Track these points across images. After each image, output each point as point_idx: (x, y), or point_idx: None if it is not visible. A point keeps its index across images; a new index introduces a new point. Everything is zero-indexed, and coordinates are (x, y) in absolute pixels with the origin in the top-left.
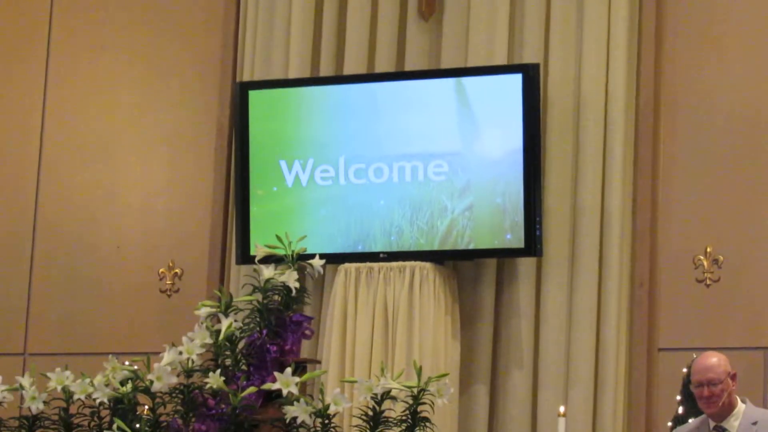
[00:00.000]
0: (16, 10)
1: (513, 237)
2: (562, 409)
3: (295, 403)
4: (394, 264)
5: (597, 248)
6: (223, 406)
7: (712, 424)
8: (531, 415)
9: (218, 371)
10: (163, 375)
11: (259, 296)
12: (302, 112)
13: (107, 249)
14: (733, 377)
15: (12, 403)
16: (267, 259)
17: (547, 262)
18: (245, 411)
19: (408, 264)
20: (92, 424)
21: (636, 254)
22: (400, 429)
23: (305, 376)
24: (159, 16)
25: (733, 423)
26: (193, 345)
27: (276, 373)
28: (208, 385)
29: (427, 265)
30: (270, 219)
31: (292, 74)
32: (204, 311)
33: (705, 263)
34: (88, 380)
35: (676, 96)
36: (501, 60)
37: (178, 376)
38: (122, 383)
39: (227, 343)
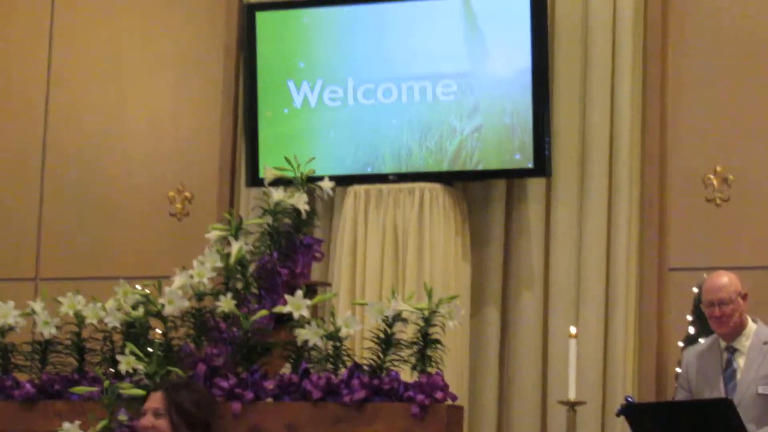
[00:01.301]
0: None
1: (522, 157)
2: (573, 330)
3: (306, 326)
4: (403, 185)
5: (606, 168)
6: (234, 329)
7: (723, 344)
8: (542, 336)
9: (229, 295)
10: (174, 299)
11: (269, 219)
12: (310, 33)
13: (117, 173)
14: (744, 297)
15: (24, 328)
16: (276, 182)
17: (557, 182)
18: (257, 334)
19: (417, 185)
20: (104, 348)
21: (645, 174)
22: (411, 351)
23: (316, 299)
24: None
25: (744, 342)
26: (204, 269)
27: (287, 296)
28: (219, 309)
29: (437, 186)
30: (279, 141)
31: None
32: (214, 235)
33: (715, 182)
34: (99, 305)
35: (684, 15)
36: None
37: (189, 299)
38: (134, 307)
39: (238, 267)
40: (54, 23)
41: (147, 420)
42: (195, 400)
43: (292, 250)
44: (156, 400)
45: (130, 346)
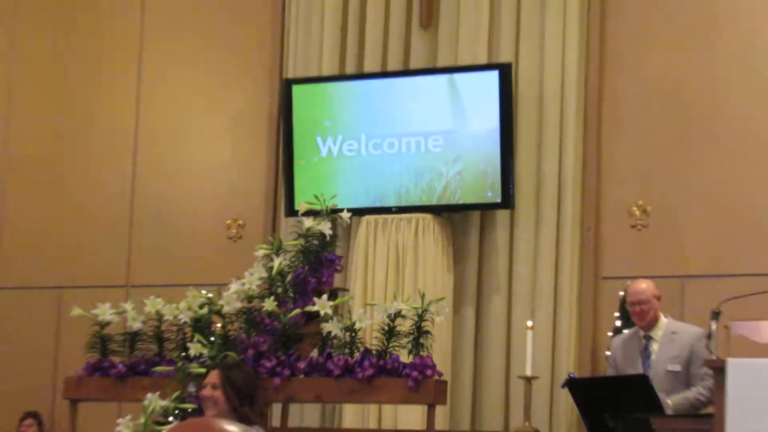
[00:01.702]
0: (110, 10)
1: (493, 194)
2: (529, 323)
3: (329, 321)
4: (403, 216)
5: (556, 202)
6: (276, 323)
7: (641, 333)
8: (506, 329)
9: (272, 298)
10: (230, 301)
11: (302, 241)
12: (333, 100)
13: (187, 206)
14: (658, 298)
15: (118, 323)
16: (307, 213)
17: (518, 213)
18: (292, 327)
19: (413, 216)
20: (178, 338)
21: (585, 207)
22: (408, 339)
23: (337, 301)
24: (226, 37)
25: (658, 332)
26: (253, 278)
27: (315, 299)
28: (264, 308)
29: (428, 216)
30: (309, 182)
31: (325, 72)
32: (261, 253)
33: (637, 213)
34: (174, 305)
35: (616, 85)
36: (482, 60)
37: (241, 301)
38: (200, 307)
39: (278, 277)
40: (140, 94)
41: (207, 391)
42: (243, 377)
43: (319, 265)
44: (213, 376)
45: (197, 336)
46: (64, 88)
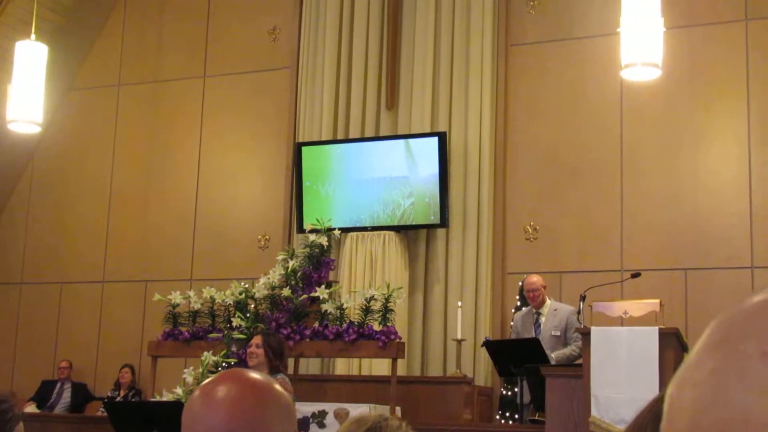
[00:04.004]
0: (180, 95)
1: (434, 218)
2: (459, 304)
3: (326, 302)
4: (375, 232)
5: (476, 223)
6: (290, 304)
7: (534, 310)
8: (444, 307)
9: (288, 287)
10: (260, 289)
11: (308, 250)
12: (329, 155)
13: (234, 229)
14: (545, 287)
15: (184, 305)
16: (312, 231)
17: (451, 230)
18: (301, 307)
19: (382, 232)
20: (225, 314)
21: (495, 225)
22: (378, 315)
23: (331, 289)
24: (258, 113)
25: (545, 310)
26: (275, 274)
27: (317, 288)
28: (282, 294)
29: (392, 233)
30: (313, 210)
31: (323, 137)
32: (280, 257)
33: (529, 230)
34: (222, 292)
35: (515, 144)
36: (427, 129)
37: (267, 290)
38: (240, 293)
39: (292, 273)
40: (201, 149)
41: (252, 348)
42: (277, 341)
43: (319, 265)
44: (257, 338)
45: (237, 313)
46: (153, 145)
